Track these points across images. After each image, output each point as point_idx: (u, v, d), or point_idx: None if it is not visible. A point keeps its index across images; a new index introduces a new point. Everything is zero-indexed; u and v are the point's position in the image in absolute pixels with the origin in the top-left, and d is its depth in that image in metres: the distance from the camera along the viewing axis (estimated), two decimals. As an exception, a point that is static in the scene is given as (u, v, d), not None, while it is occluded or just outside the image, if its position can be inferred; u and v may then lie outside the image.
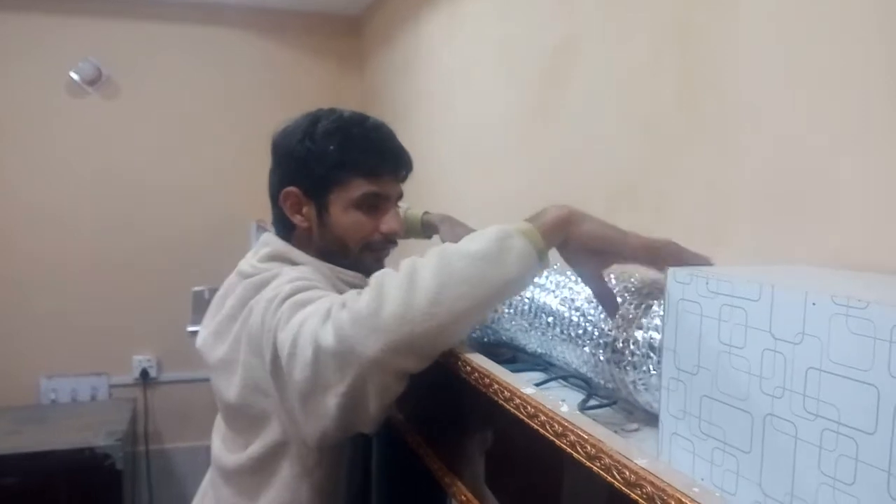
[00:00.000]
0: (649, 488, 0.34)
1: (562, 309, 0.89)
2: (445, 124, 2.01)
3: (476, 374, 0.56)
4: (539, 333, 0.94)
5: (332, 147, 0.99)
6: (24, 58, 2.82)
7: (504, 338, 1.05)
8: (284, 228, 1.06)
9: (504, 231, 0.70)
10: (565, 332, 0.87)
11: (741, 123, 0.86)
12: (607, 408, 0.80)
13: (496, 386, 0.52)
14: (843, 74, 0.72)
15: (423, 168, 2.26)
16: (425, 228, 1.31)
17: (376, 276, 0.73)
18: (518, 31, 1.51)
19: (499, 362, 0.69)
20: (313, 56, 3.17)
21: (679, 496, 0.33)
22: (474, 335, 1.12)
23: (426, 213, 1.32)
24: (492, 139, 1.65)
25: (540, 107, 1.41)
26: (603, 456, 0.38)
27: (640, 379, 0.73)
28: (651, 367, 0.71)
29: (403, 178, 1.09)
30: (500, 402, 0.51)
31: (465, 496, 0.61)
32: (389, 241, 1.06)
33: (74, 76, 2.85)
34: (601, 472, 0.38)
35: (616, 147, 1.14)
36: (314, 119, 1.03)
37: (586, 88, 1.23)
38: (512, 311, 0.99)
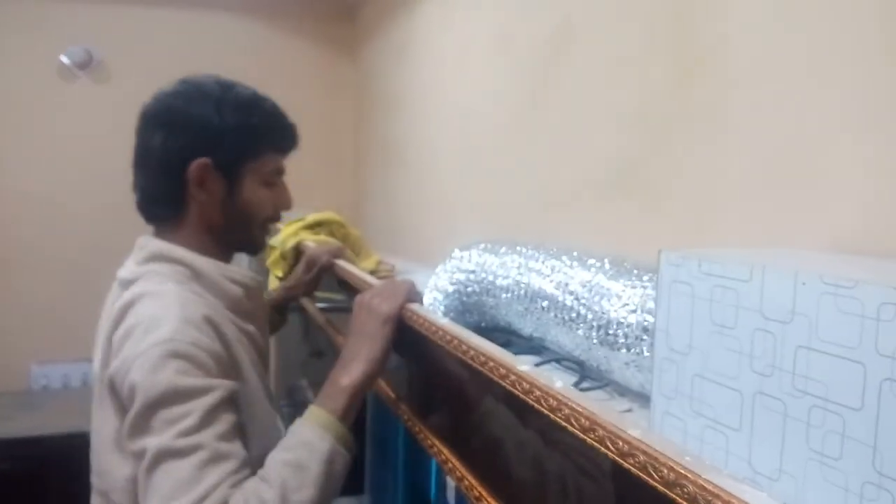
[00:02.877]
0: (642, 457, 0.35)
1: (556, 293, 0.90)
2: (439, 110, 2.01)
3: (472, 353, 0.57)
4: (534, 318, 0.95)
5: (252, 119, 0.94)
6: (14, 41, 2.78)
7: (501, 323, 1.06)
8: (172, 208, 0.95)
9: (330, 455, 0.80)
10: (559, 315, 0.88)
11: (734, 110, 0.87)
12: (599, 390, 0.82)
13: (492, 364, 0.53)
14: (836, 61, 0.73)
15: (416, 154, 2.27)
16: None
17: None
18: (512, 17, 1.51)
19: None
20: (307, 41, 3.15)
21: (671, 464, 0.34)
22: (471, 320, 1.13)
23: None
24: (485, 125, 1.65)
25: (534, 93, 1.41)
26: (597, 428, 0.39)
27: (633, 360, 0.74)
28: (644, 348, 0.73)
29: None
30: (496, 378, 0.52)
31: (452, 463, 0.63)
32: (279, 216, 1.03)
33: (65, 60, 2.83)
34: (595, 443, 0.39)
35: (609, 134, 1.14)
36: (220, 88, 0.95)
37: (580, 75, 1.23)
38: (509, 295, 1.00)
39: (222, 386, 0.80)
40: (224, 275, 0.93)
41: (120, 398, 0.82)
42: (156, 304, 0.84)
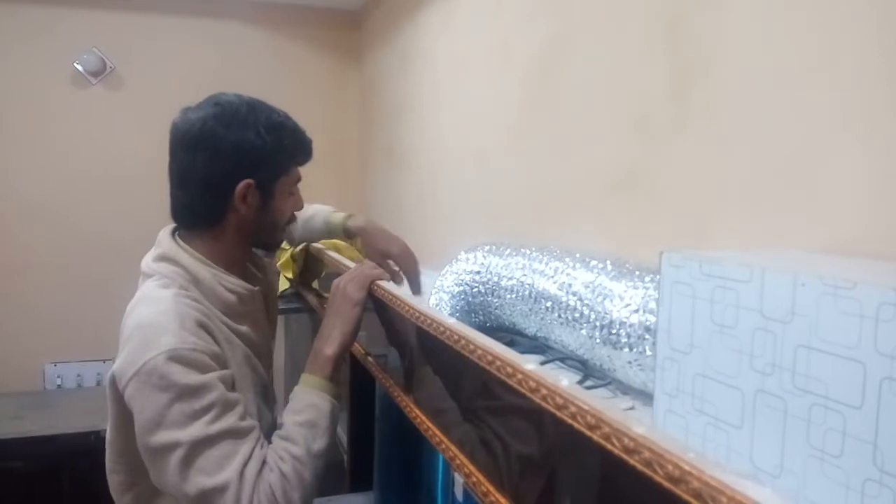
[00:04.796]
0: (647, 454, 0.36)
1: (559, 294, 0.91)
2: (443, 115, 2.02)
3: (479, 352, 0.58)
4: (538, 318, 0.96)
5: (284, 141, 1.06)
6: (28, 48, 2.81)
7: (506, 323, 1.07)
8: (208, 220, 1.06)
9: (332, 411, 1.01)
10: (563, 315, 0.89)
11: (731, 113, 0.88)
12: (602, 388, 0.83)
13: (499, 363, 0.54)
14: (833, 65, 0.74)
15: (421, 158, 2.28)
16: (347, 232, 1.38)
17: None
18: (513, 24, 1.52)
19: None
20: (314, 49, 3.17)
21: (676, 461, 0.34)
22: (476, 320, 1.14)
23: (350, 216, 1.39)
24: (488, 130, 1.66)
25: (535, 98, 1.42)
26: (603, 425, 0.40)
27: (635, 360, 0.75)
28: (646, 348, 0.73)
29: None
30: (503, 377, 0.53)
31: (460, 460, 0.64)
32: (295, 218, 1.17)
33: (79, 67, 2.85)
34: (601, 440, 0.40)
35: (610, 137, 1.15)
36: (252, 111, 1.05)
37: (580, 80, 1.24)
38: (514, 296, 1.01)
39: (222, 375, 0.94)
40: (220, 283, 1.04)
41: (118, 393, 0.94)
42: (154, 311, 0.96)
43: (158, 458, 0.89)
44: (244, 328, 1.07)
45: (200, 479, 0.87)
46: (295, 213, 1.15)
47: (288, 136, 1.07)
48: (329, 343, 1.04)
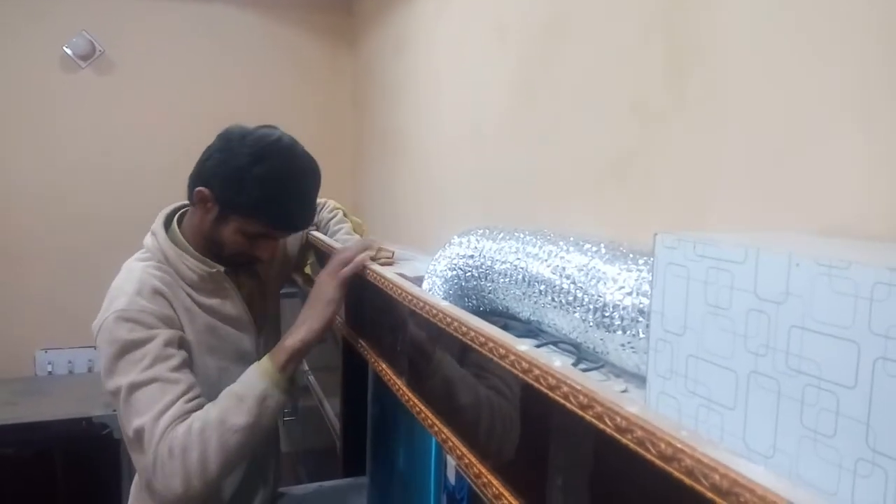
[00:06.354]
0: (639, 433, 0.36)
1: (553, 277, 0.90)
2: (437, 99, 2.01)
3: (472, 334, 0.57)
4: (532, 301, 0.95)
5: (260, 194, 1.13)
6: (17, 32, 2.77)
7: (500, 307, 1.07)
8: (190, 200, 1.22)
9: (263, 393, 1.07)
10: (556, 299, 0.89)
11: (727, 97, 0.87)
12: (595, 371, 0.82)
13: (492, 344, 0.54)
14: (830, 50, 0.73)
15: (414, 143, 2.27)
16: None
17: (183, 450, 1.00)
18: (508, 7, 1.50)
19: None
20: (306, 32, 3.14)
21: (668, 439, 0.34)
22: (470, 304, 1.13)
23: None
24: (483, 115, 1.65)
25: (530, 82, 1.41)
26: (595, 405, 0.40)
27: (628, 342, 0.75)
28: (640, 330, 0.73)
29: None
30: (496, 359, 0.53)
31: (452, 442, 0.64)
32: (255, 262, 1.26)
33: (68, 51, 2.82)
34: (593, 420, 0.40)
35: (605, 122, 1.14)
36: (265, 151, 1.13)
37: (576, 64, 1.23)
38: (507, 280, 1.01)
39: (165, 333, 1.08)
40: (182, 262, 1.19)
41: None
42: (121, 279, 1.16)
43: (114, 404, 1.06)
44: (211, 301, 1.20)
45: (133, 419, 1.02)
46: (260, 259, 1.24)
47: (271, 196, 1.13)
48: (292, 336, 1.11)
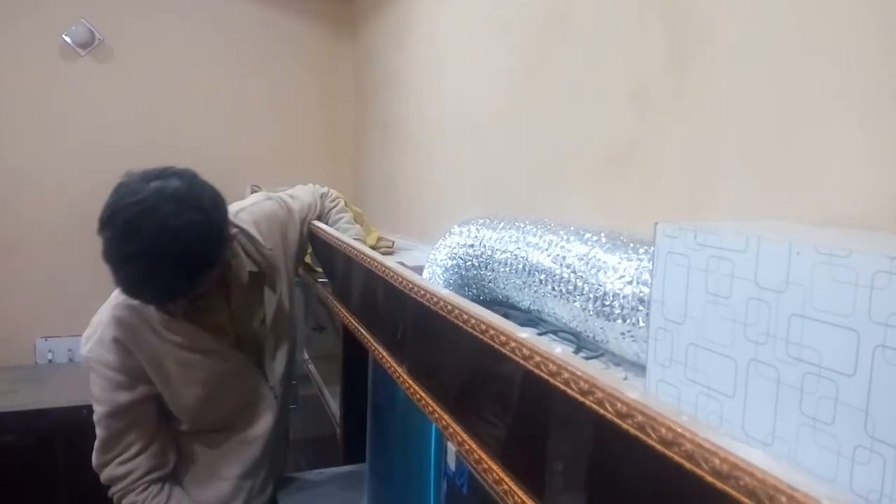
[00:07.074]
0: (640, 418, 0.36)
1: (553, 266, 0.90)
2: (438, 88, 2.00)
3: (473, 321, 0.58)
4: (532, 291, 0.96)
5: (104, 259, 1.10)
6: (16, 20, 2.75)
7: (500, 296, 1.07)
8: None
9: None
10: (556, 288, 0.89)
11: (728, 86, 0.87)
12: (595, 359, 0.83)
13: (493, 332, 0.54)
14: (830, 39, 0.73)
15: (415, 132, 2.26)
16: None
17: None
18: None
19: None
20: (307, 21, 3.12)
21: (669, 424, 0.34)
22: (470, 294, 1.14)
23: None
24: (483, 104, 1.65)
25: (531, 71, 1.40)
26: (596, 390, 0.40)
27: (628, 331, 0.75)
28: (640, 319, 0.73)
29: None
30: (497, 346, 0.53)
31: (453, 429, 0.64)
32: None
33: (67, 39, 2.80)
34: (594, 405, 0.40)
35: (605, 112, 1.14)
36: (112, 216, 1.12)
37: (576, 53, 1.23)
38: (507, 269, 1.01)
39: (125, 398, 1.19)
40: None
41: None
42: (99, 314, 1.22)
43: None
44: (176, 337, 1.20)
45: (100, 448, 1.24)
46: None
47: (112, 271, 1.05)
48: None
